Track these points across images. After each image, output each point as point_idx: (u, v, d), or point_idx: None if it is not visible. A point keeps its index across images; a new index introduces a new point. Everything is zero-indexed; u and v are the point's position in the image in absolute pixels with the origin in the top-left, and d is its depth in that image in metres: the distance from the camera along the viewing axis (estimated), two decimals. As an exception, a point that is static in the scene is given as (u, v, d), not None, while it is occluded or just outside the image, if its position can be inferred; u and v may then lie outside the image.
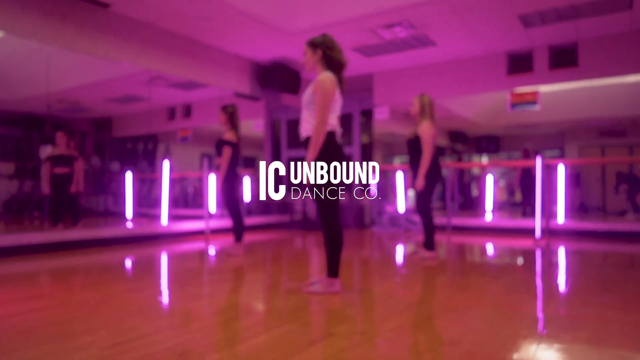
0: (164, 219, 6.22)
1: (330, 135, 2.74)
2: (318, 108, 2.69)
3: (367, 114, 8.38)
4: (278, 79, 7.23)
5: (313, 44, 2.85)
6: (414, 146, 4.05)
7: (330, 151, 2.71)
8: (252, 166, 10.33)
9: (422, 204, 4.00)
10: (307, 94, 2.79)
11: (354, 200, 8.21)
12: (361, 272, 3.85)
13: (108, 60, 5.48)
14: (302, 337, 2.05)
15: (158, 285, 3.37)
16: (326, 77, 2.73)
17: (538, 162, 5.68)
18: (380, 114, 8.01)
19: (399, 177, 8.31)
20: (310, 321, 2.40)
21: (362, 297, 2.90)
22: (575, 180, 10.30)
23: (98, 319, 2.33)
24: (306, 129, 2.80)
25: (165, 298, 2.91)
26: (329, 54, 2.80)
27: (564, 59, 6.48)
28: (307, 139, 2.79)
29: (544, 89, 7.19)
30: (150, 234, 5.75)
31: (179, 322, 2.35)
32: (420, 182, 3.91)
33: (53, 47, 4.98)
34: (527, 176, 8.19)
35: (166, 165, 6.49)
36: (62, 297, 2.87)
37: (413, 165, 4.04)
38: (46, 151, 6.38)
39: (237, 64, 7.13)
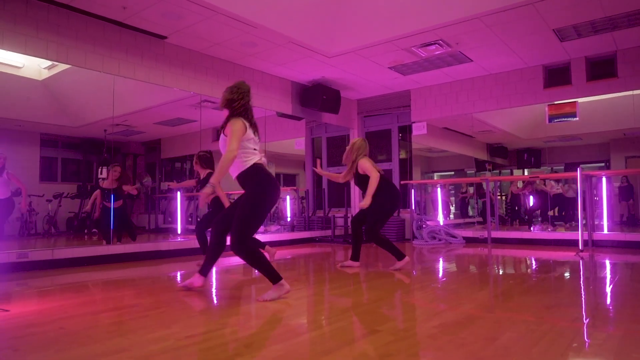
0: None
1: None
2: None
3: (405, 130, 8.59)
4: (318, 99, 7.57)
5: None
6: (362, 180, 4.66)
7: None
8: (293, 184, 10.68)
9: (372, 222, 4.52)
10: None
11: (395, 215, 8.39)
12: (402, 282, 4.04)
13: (164, 88, 5.96)
14: (350, 334, 2.28)
15: (216, 290, 3.69)
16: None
17: (578, 173, 5.71)
18: (418, 130, 8.20)
19: (438, 192, 8.43)
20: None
21: (403, 302, 3.10)
22: (627, 192, 10.04)
23: (168, 317, 2.64)
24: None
25: (223, 301, 3.21)
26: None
27: (602, 71, 6.50)
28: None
29: (585, 99, 7.18)
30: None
31: (242, 320, 2.63)
32: (367, 200, 4.37)
33: (116, 77, 5.49)
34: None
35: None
36: (129, 301, 3.22)
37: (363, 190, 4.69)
38: (100, 178, 6.77)
39: (279, 85, 7.53)
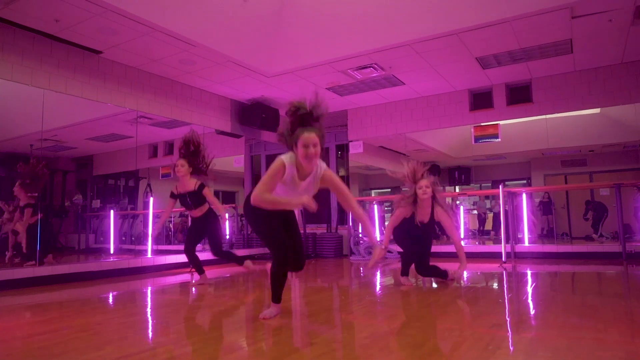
0: (150, 252, 6.44)
1: None
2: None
3: (343, 149, 8.85)
4: (257, 117, 7.66)
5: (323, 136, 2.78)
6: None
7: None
8: (232, 201, 10.62)
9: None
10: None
11: (332, 232, 8.56)
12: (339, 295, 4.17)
13: (98, 103, 5.80)
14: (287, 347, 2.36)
15: (150, 311, 3.62)
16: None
17: (500, 190, 6.16)
18: (355, 148, 8.48)
19: (375, 209, 8.72)
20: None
21: (336, 316, 3.21)
22: (547, 207, 10.86)
23: (100, 338, 2.59)
24: None
25: (158, 321, 3.17)
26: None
27: (520, 96, 7.10)
28: None
29: (508, 121, 7.78)
30: (136, 266, 5.96)
31: (177, 338, 2.63)
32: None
33: (46, 91, 5.29)
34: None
35: (151, 201, 6.77)
36: (61, 322, 3.10)
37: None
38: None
39: (219, 103, 7.55)
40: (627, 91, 6.44)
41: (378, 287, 4.66)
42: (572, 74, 6.75)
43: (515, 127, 8.86)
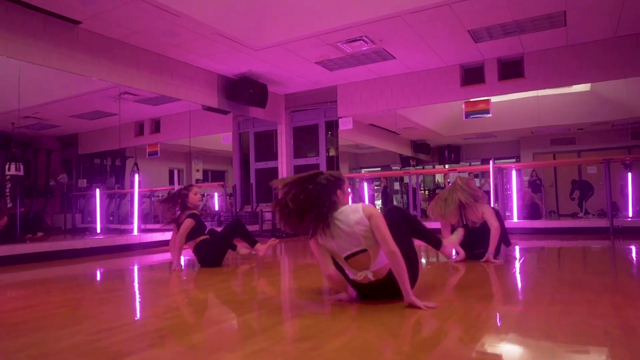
0: (136, 230, 6.33)
1: None
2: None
3: (332, 125, 8.73)
4: (245, 92, 7.49)
5: None
6: None
7: None
8: (222, 179, 10.48)
9: None
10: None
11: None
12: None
13: (79, 77, 5.61)
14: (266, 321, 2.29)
15: (134, 287, 3.54)
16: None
17: (491, 165, 6.12)
18: (345, 125, 8.37)
19: (365, 186, 8.66)
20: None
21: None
22: (536, 186, 10.89)
23: (80, 313, 2.51)
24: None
25: (140, 297, 3.09)
26: None
27: (512, 71, 7.01)
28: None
29: (499, 99, 7.70)
30: (121, 244, 5.85)
31: (157, 312, 2.55)
32: None
33: (24, 63, 5.08)
34: None
35: (136, 178, 6.63)
36: (42, 298, 3.01)
37: None
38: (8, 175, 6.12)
39: (205, 78, 7.36)
40: (619, 66, 6.38)
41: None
42: (565, 48, 6.66)
43: (506, 105, 8.80)
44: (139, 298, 3.07)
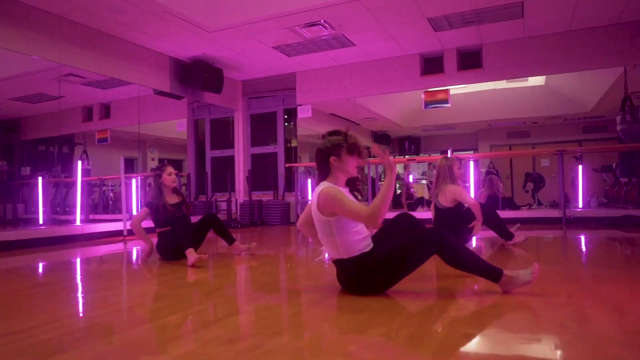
0: (78, 220, 5.95)
1: None
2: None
3: (291, 113, 8.51)
4: (199, 77, 7.15)
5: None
6: None
7: None
8: (179, 168, 10.08)
9: None
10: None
11: (279, 199, 8.31)
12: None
13: (15, 53, 5.14)
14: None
15: (70, 279, 3.25)
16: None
17: (449, 154, 6.08)
18: (303, 113, 8.17)
19: (309, 183, 8.53)
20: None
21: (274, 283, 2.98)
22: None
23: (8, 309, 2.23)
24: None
25: (77, 291, 2.82)
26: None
27: (470, 61, 7.00)
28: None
29: (458, 91, 7.69)
30: (62, 235, 5.46)
31: (93, 307, 2.30)
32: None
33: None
34: None
35: (79, 165, 6.23)
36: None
37: None
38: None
39: (156, 60, 6.97)
40: (574, 59, 6.46)
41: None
42: (522, 40, 6.69)
43: (465, 97, 8.85)
44: (73, 293, 2.79)
